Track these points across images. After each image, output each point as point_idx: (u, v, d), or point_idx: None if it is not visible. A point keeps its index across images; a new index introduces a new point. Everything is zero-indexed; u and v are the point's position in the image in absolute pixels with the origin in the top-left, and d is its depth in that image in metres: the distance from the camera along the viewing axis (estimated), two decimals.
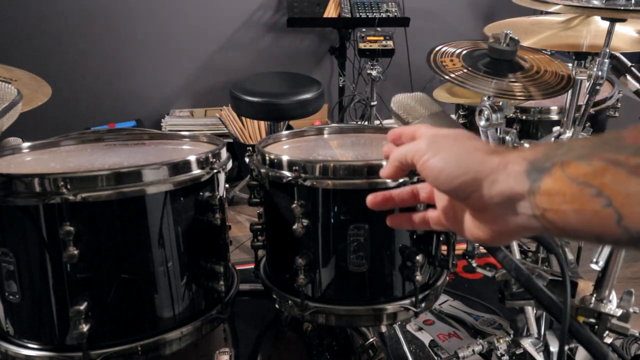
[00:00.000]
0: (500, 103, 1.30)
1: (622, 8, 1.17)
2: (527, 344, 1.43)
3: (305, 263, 0.93)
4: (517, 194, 0.47)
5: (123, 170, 0.81)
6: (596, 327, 0.98)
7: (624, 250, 0.99)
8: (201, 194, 0.92)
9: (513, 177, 0.47)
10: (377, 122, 3.17)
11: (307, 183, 0.90)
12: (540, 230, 0.48)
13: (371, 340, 1.14)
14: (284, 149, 1.13)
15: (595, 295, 0.98)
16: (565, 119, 1.42)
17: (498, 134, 1.35)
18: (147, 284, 0.87)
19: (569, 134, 1.40)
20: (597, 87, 1.31)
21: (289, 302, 0.99)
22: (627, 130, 0.43)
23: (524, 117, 1.75)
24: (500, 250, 0.78)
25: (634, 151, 0.41)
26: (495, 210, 0.50)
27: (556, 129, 1.44)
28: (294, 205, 0.91)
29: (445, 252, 1.02)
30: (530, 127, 1.77)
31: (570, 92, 1.36)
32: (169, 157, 0.87)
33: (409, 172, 0.60)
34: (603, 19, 1.28)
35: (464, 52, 1.31)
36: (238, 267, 1.10)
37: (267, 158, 0.97)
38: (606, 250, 1.02)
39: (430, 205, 0.65)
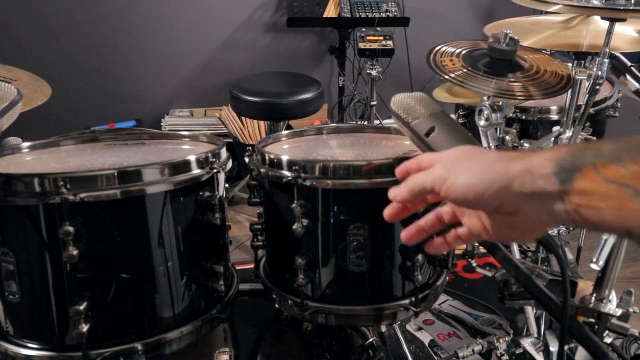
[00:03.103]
0: (500, 103, 1.30)
1: (622, 8, 1.18)
2: (527, 344, 1.43)
3: (305, 263, 0.93)
4: (548, 193, 0.50)
5: (123, 171, 0.81)
6: (596, 327, 0.98)
7: (624, 250, 0.99)
8: (201, 194, 0.92)
9: (542, 179, 0.50)
10: (377, 122, 3.17)
11: (307, 183, 0.90)
12: (570, 223, 0.52)
13: (371, 340, 1.14)
14: (284, 149, 1.13)
15: (595, 295, 0.98)
16: (565, 119, 1.42)
17: (498, 134, 1.35)
18: (147, 284, 0.87)
19: (569, 133, 1.40)
20: (597, 87, 1.31)
21: (289, 302, 0.99)
22: None
23: (524, 117, 1.75)
24: (500, 250, 0.78)
25: None
26: (527, 211, 0.53)
27: (556, 129, 1.44)
28: (294, 205, 0.91)
29: (445, 252, 1.02)
30: (530, 127, 1.77)
31: (570, 92, 1.37)
32: (169, 157, 0.87)
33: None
34: (603, 19, 1.28)
35: (464, 52, 1.31)
36: (238, 267, 1.10)
37: (267, 158, 0.97)
38: (606, 250, 1.02)
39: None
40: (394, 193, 0.64)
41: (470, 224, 0.63)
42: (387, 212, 0.69)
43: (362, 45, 2.91)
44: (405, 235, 0.69)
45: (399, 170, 0.66)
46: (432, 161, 0.61)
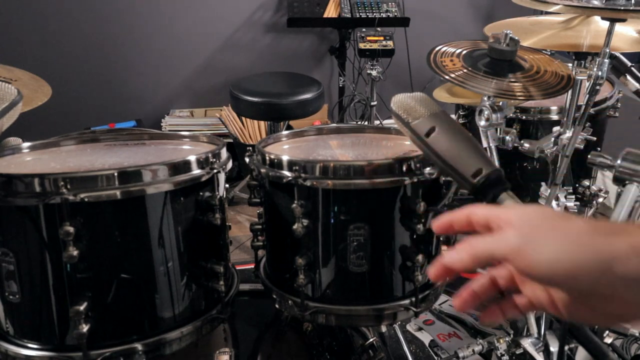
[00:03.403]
0: (500, 103, 1.30)
1: (622, 8, 1.18)
2: (527, 344, 1.43)
3: (305, 263, 0.93)
4: None
5: (123, 171, 0.81)
6: (596, 327, 0.98)
7: None
8: (201, 194, 0.91)
9: None
10: (377, 122, 3.17)
11: (307, 183, 0.90)
12: None
13: (371, 340, 1.14)
14: (284, 149, 1.13)
15: None
16: (565, 119, 1.42)
17: (498, 134, 1.35)
18: (147, 284, 0.87)
19: (569, 134, 1.40)
20: (597, 87, 1.31)
21: (289, 302, 0.99)
22: None
23: (524, 117, 1.75)
24: None
25: None
26: (627, 297, 0.45)
27: (556, 129, 1.44)
28: (294, 205, 0.91)
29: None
30: (530, 127, 1.77)
31: (570, 92, 1.37)
32: (169, 157, 0.87)
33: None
34: (603, 19, 1.28)
35: (464, 52, 1.31)
36: (238, 267, 1.10)
37: (267, 158, 0.97)
38: None
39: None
40: (451, 259, 0.54)
41: (534, 295, 0.53)
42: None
43: (362, 45, 2.91)
44: (458, 302, 0.60)
45: (440, 224, 0.57)
46: (495, 221, 0.51)
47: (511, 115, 1.44)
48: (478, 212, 0.53)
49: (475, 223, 0.54)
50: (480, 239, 0.51)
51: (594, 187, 1.79)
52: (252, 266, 1.10)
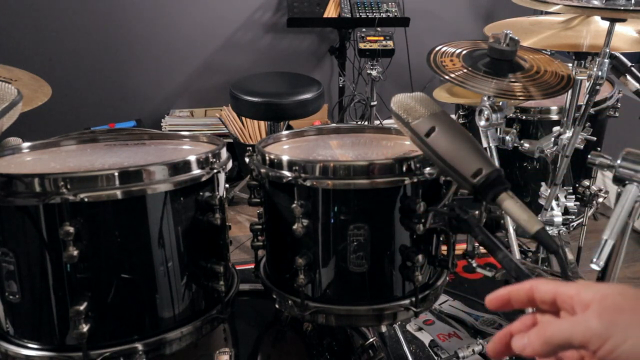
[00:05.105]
0: (500, 103, 1.30)
1: (622, 8, 1.17)
2: None
3: (305, 263, 0.93)
4: None
5: (123, 170, 0.81)
6: None
7: (624, 250, 0.99)
8: (201, 194, 0.91)
9: None
10: (377, 122, 3.17)
11: (307, 183, 0.90)
12: None
13: (371, 340, 1.14)
14: (284, 149, 1.13)
15: None
16: (565, 119, 1.42)
17: (498, 134, 1.35)
18: (147, 284, 0.87)
19: (569, 134, 1.40)
20: (597, 87, 1.31)
21: (289, 302, 0.99)
22: None
23: (524, 117, 1.75)
24: (500, 250, 0.78)
25: None
26: None
27: (556, 129, 1.44)
28: (294, 205, 0.91)
29: (445, 252, 1.02)
30: (530, 127, 1.77)
31: (570, 92, 1.37)
32: (169, 157, 0.87)
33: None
34: (603, 19, 1.28)
35: (464, 52, 1.31)
36: (238, 267, 1.10)
37: (267, 158, 0.97)
38: (606, 251, 1.02)
39: None
40: (521, 345, 0.48)
41: None
42: (493, 351, 0.53)
43: (362, 45, 2.91)
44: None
45: (495, 298, 0.52)
46: (567, 301, 0.46)
47: (511, 115, 1.44)
48: (543, 288, 0.49)
49: (538, 300, 0.50)
50: (554, 323, 0.47)
51: (594, 187, 1.79)
52: (252, 266, 1.10)
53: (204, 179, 0.90)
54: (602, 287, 0.46)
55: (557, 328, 0.45)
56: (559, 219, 1.47)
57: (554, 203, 1.46)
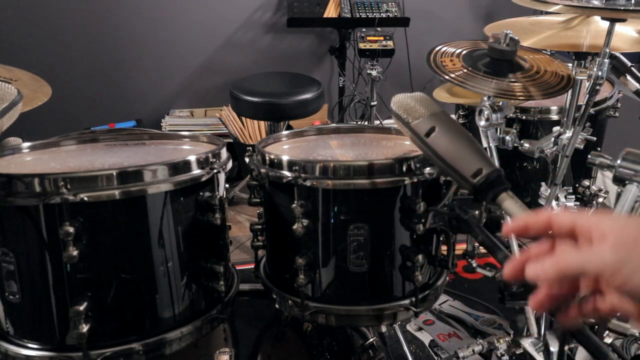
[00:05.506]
0: (500, 103, 1.30)
1: (622, 8, 1.18)
2: (527, 344, 1.43)
3: (305, 263, 0.93)
4: None
5: (123, 170, 0.81)
6: (596, 327, 0.98)
7: None
8: (201, 194, 0.91)
9: None
10: (377, 122, 3.17)
11: (307, 183, 0.90)
12: None
13: (371, 340, 1.14)
14: (284, 149, 1.13)
15: None
16: (565, 119, 1.42)
17: (498, 134, 1.35)
18: (147, 284, 0.87)
19: (569, 134, 1.40)
20: (597, 87, 1.31)
21: (289, 302, 0.99)
22: None
23: (524, 117, 1.75)
24: (500, 250, 0.78)
25: None
26: None
27: (556, 129, 1.44)
28: (294, 205, 0.91)
29: (445, 252, 1.02)
30: (530, 127, 1.77)
31: (570, 92, 1.37)
32: (169, 157, 0.87)
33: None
34: (603, 19, 1.28)
35: (464, 52, 1.31)
36: (238, 267, 1.10)
37: (267, 158, 0.97)
38: None
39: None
40: (534, 271, 0.49)
41: (620, 304, 0.48)
42: (509, 272, 0.53)
43: (362, 45, 2.91)
44: (534, 303, 0.54)
45: (513, 225, 0.52)
46: (585, 231, 0.46)
47: (511, 115, 1.44)
48: (562, 218, 0.49)
49: (556, 228, 0.49)
50: (568, 252, 0.47)
51: (594, 187, 1.79)
52: (252, 266, 1.10)
53: (204, 179, 0.90)
54: (621, 220, 0.46)
55: (571, 257, 0.46)
56: None
57: (554, 203, 1.46)
